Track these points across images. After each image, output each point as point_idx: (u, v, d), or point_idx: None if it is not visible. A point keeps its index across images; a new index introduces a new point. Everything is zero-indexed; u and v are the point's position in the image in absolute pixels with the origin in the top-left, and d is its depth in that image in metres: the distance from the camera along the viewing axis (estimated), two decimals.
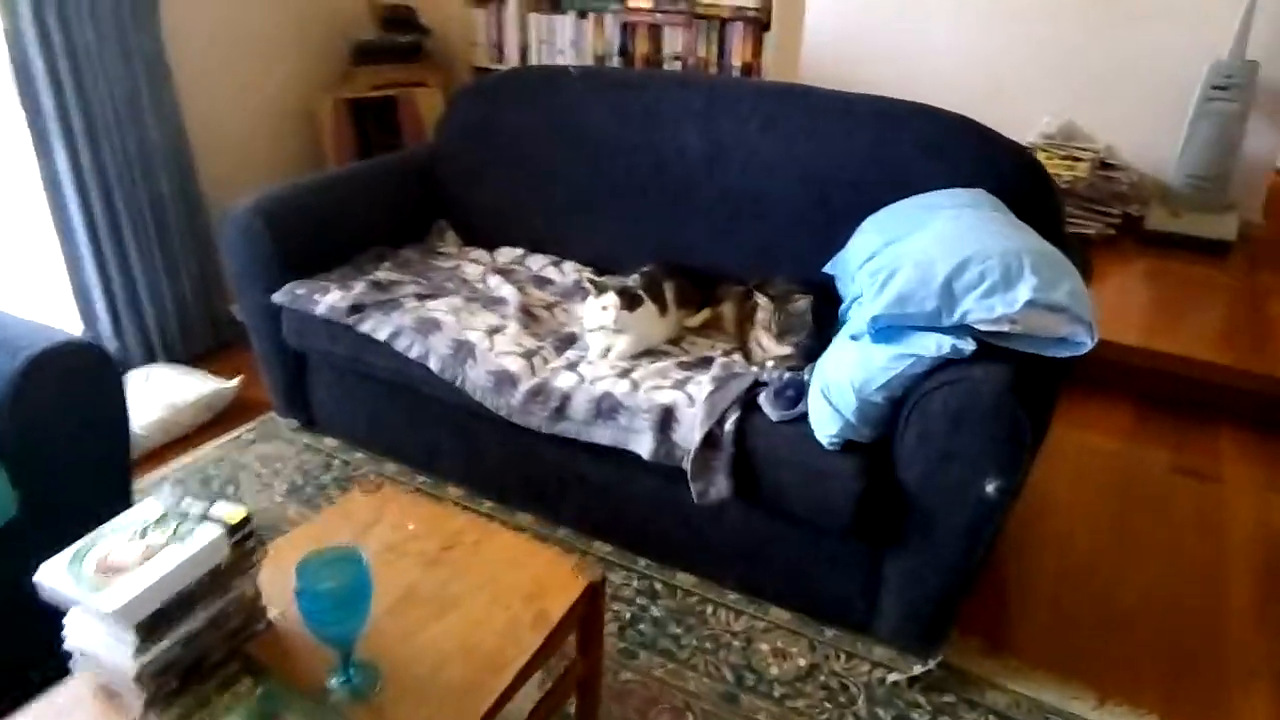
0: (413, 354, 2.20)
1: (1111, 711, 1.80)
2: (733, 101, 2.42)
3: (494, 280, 2.52)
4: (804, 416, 1.83)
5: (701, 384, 1.97)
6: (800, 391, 1.88)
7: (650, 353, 2.17)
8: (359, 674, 1.26)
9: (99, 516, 1.27)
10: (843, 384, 1.73)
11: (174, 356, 3.00)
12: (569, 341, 2.24)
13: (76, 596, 1.16)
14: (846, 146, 2.28)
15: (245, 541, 1.29)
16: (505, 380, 2.08)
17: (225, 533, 1.25)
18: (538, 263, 2.68)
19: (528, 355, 2.14)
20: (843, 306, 2.06)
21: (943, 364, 1.64)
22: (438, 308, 2.32)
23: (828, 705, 1.80)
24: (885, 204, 2.17)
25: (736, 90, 2.48)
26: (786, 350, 2.02)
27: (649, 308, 2.16)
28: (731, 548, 2.01)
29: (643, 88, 2.59)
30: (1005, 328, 1.61)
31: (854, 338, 1.75)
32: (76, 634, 1.24)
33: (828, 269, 2.27)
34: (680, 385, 1.99)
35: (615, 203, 2.58)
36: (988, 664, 1.91)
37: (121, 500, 1.84)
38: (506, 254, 2.76)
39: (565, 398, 2.01)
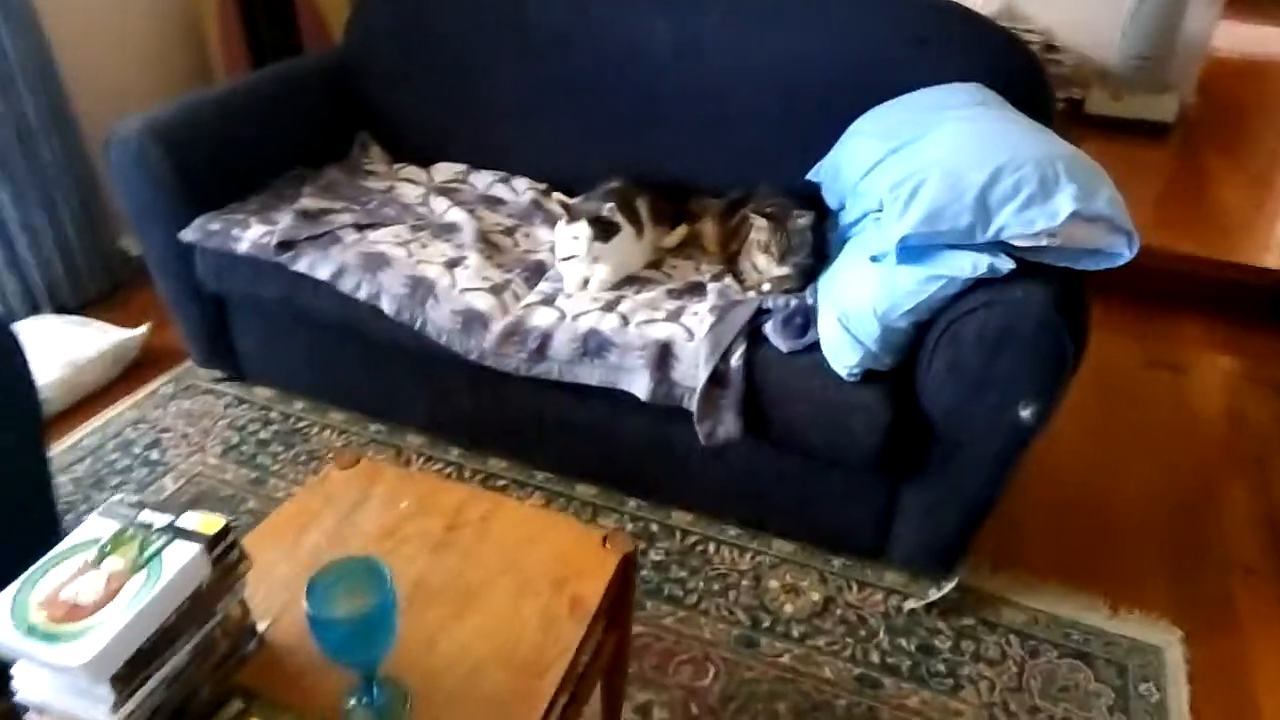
0: (361, 295, 1.94)
1: (1125, 619, 1.80)
2: None
3: (438, 203, 2.24)
4: (815, 345, 1.69)
5: (699, 315, 1.80)
6: (808, 318, 1.73)
7: (634, 279, 1.96)
8: (383, 692, 1.08)
9: (11, 516, 1.02)
10: (863, 310, 1.58)
11: (63, 305, 2.61)
12: (538, 271, 2.02)
13: (26, 650, 0.93)
14: (821, 39, 2.07)
15: (227, 554, 1.07)
16: (474, 320, 1.85)
17: (204, 548, 1.03)
18: (483, 180, 2.40)
19: (496, 290, 1.91)
20: (844, 221, 1.90)
21: (973, 284, 1.52)
22: (382, 239, 2.04)
23: (849, 640, 1.73)
24: (869, 104, 1.99)
25: None
26: (785, 271, 1.86)
27: (625, 232, 1.94)
28: (734, 484, 1.89)
29: None
30: (1043, 242, 1.48)
31: (875, 259, 1.60)
32: (29, 688, 1.01)
33: (811, 176, 2.09)
34: (675, 317, 1.81)
35: (569, 107, 2.31)
36: (998, 580, 1.88)
37: (39, 493, 1.56)
38: (445, 171, 2.46)
39: (545, 337, 1.81)
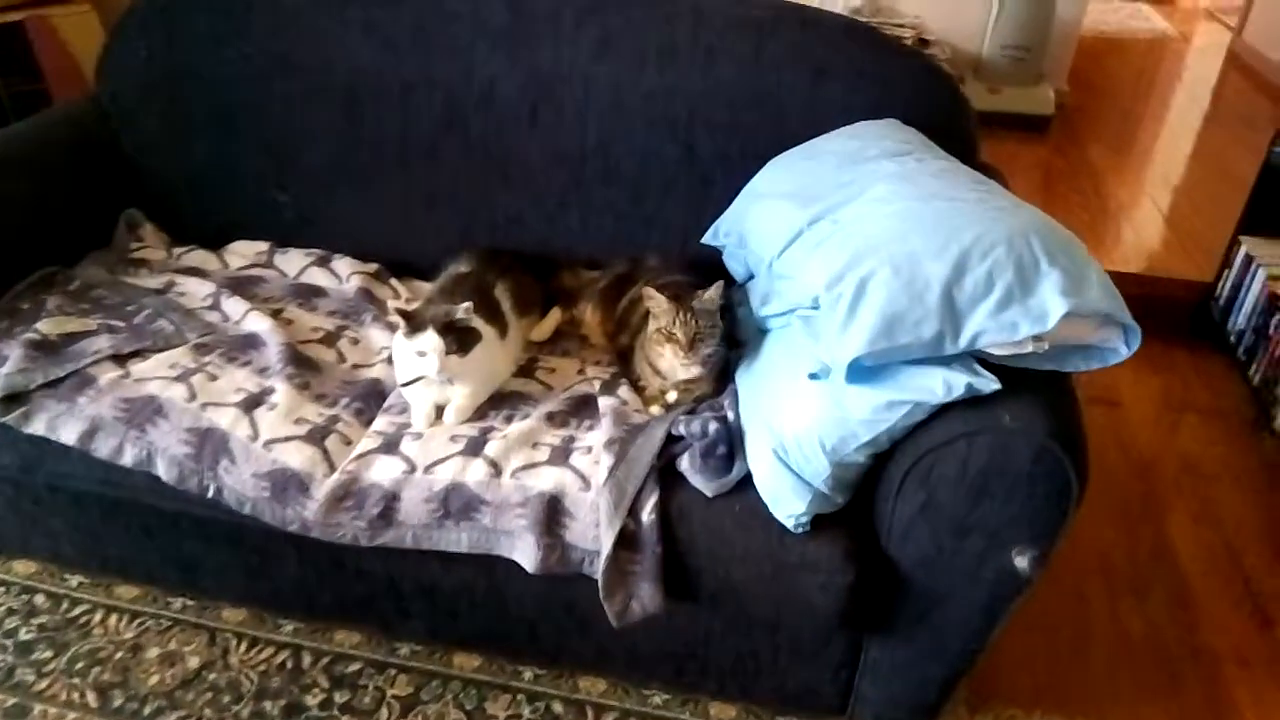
0: (125, 461, 1.42)
1: None
2: (547, 13, 1.73)
3: (233, 306, 1.72)
4: (745, 481, 1.31)
5: (593, 450, 1.38)
6: (731, 445, 1.35)
7: (501, 398, 1.52)
8: None
9: None
10: (807, 443, 1.21)
11: None
12: (373, 397, 1.54)
13: None
14: (708, 76, 1.68)
15: None
16: (288, 483, 1.37)
17: None
18: (293, 263, 1.89)
19: (316, 437, 1.43)
20: (757, 298, 1.52)
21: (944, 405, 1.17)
22: (152, 373, 1.51)
23: None
24: (770, 151, 1.64)
25: None
26: (696, 371, 1.46)
27: (487, 336, 1.50)
28: (656, 644, 1.49)
29: None
30: (1027, 349, 1.15)
31: (815, 377, 1.23)
32: None
33: (708, 240, 1.71)
34: (561, 457, 1.38)
35: (400, 167, 1.83)
36: None
37: None
38: (242, 253, 1.93)
39: (390, 498, 1.35)
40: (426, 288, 1.84)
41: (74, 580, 1.78)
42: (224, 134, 1.90)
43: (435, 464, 1.38)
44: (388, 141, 1.81)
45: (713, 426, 1.35)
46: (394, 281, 1.85)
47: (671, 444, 1.37)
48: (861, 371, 1.16)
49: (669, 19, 1.70)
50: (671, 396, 1.48)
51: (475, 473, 1.36)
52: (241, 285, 1.80)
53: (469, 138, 1.77)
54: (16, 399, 1.45)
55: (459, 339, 1.43)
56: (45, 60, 2.29)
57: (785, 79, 1.66)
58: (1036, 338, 1.14)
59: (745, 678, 1.49)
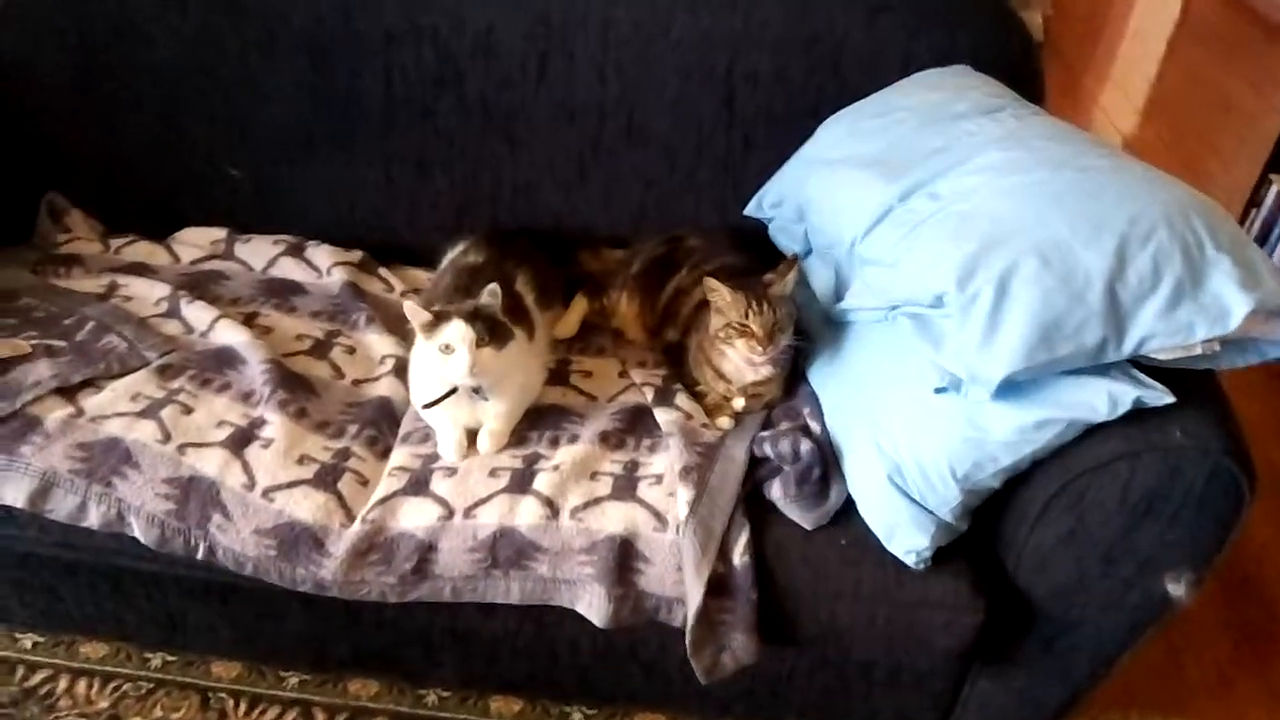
0: (90, 522, 1.16)
1: None
2: None
3: (195, 313, 1.43)
4: (848, 505, 1.13)
5: (664, 479, 1.17)
6: (824, 465, 1.16)
7: (539, 417, 1.29)
8: None
9: None
10: (933, 468, 1.03)
11: None
12: (386, 420, 1.30)
13: None
14: (752, 14, 1.44)
15: None
16: (299, 540, 1.14)
17: None
18: (259, 253, 1.60)
19: (325, 479, 1.19)
20: (823, 282, 1.31)
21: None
22: (111, 407, 1.24)
23: None
24: (822, 105, 1.44)
25: None
26: (768, 372, 1.26)
27: (517, 338, 1.26)
28: (732, 683, 1.32)
29: None
30: (1197, 351, 0.98)
31: (942, 391, 1.04)
32: None
33: (752, 211, 1.50)
34: (627, 487, 1.17)
35: (377, 131, 1.54)
36: None
37: None
38: (195, 241, 1.63)
39: (425, 549, 1.13)
40: (423, 276, 1.58)
41: (28, 641, 1.51)
42: (163, 100, 1.58)
43: (477, 505, 1.16)
44: (366, 101, 1.52)
45: (804, 447, 1.15)
46: (383, 271, 1.58)
47: (755, 466, 1.18)
48: (1006, 386, 0.98)
49: None
50: (739, 404, 1.28)
51: (527, 514, 1.14)
52: (200, 284, 1.51)
53: (464, 95, 1.50)
54: None
55: (490, 330, 1.19)
56: None
57: (838, 20, 1.43)
58: (1208, 341, 0.97)
59: (831, 710, 1.34)
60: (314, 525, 1.14)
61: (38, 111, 1.61)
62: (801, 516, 1.12)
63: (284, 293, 1.52)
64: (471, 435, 1.24)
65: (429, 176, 1.56)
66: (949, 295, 1.01)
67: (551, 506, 1.14)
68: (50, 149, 1.63)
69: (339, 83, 1.52)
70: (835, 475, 1.15)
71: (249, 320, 1.44)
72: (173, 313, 1.45)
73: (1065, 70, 3.35)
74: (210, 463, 1.18)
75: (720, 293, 1.23)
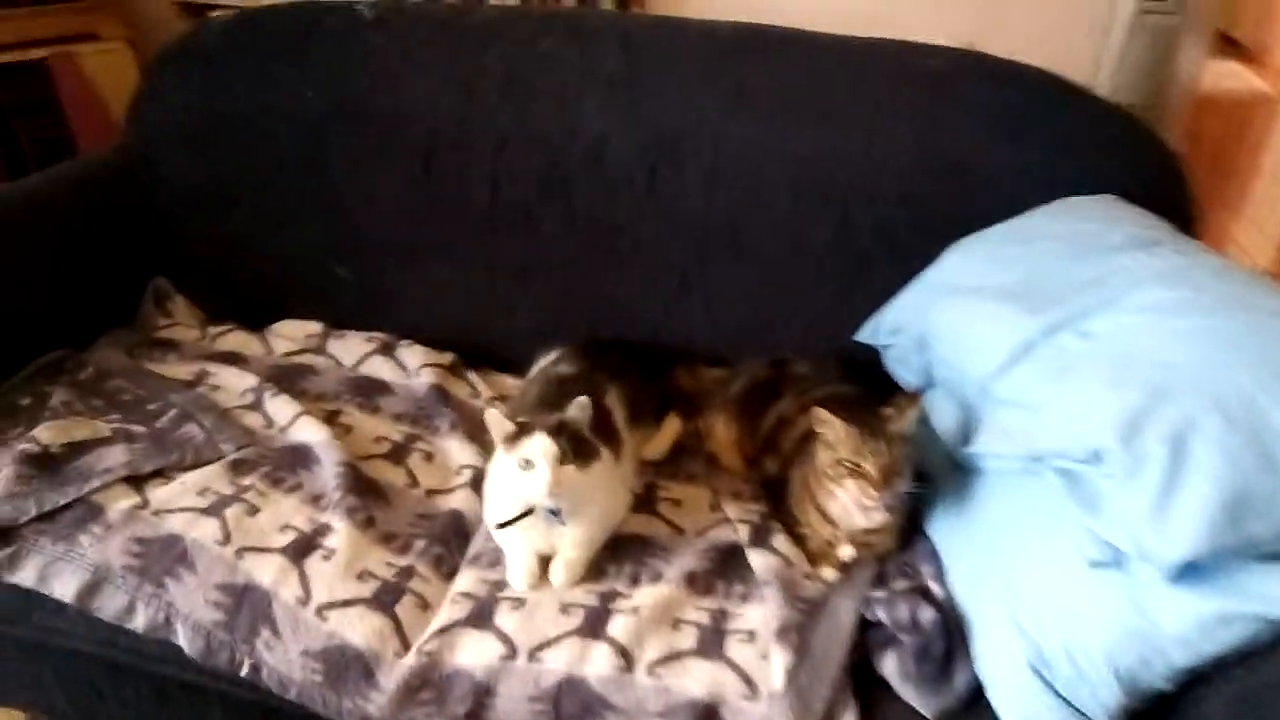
0: (136, 625, 1.09)
1: None
2: (670, 58, 1.42)
3: (279, 407, 1.39)
4: (975, 690, 0.96)
5: (757, 636, 1.02)
6: (948, 637, 0.99)
7: (620, 549, 1.17)
8: None
9: None
10: (1087, 661, 0.86)
11: None
12: (456, 537, 1.20)
13: None
14: (876, 133, 1.36)
15: None
16: (347, 666, 1.03)
17: None
18: (351, 349, 1.57)
19: (385, 599, 1.09)
20: (946, 420, 1.17)
21: None
22: (177, 500, 1.18)
23: None
24: (952, 228, 1.32)
25: (671, 38, 1.46)
26: (882, 519, 1.11)
27: (603, 458, 1.16)
28: None
29: (501, 36, 1.50)
30: None
31: (1100, 566, 0.87)
32: None
33: (865, 337, 1.38)
34: (714, 642, 1.03)
35: (481, 237, 1.51)
36: None
37: None
38: (290, 334, 1.61)
39: (482, 692, 1.00)
40: (512, 384, 1.51)
41: None
42: (274, 193, 1.60)
43: (543, 647, 1.03)
44: (472, 206, 1.49)
45: (925, 615, 0.99)
46: (472, 375, 1.52)
47: (865, 631, 1.02)
48: (1184, 568, 0.81)
49: (822, 69, 1.39)
50: (847, 553, 1.13)
51: (599, 663, 1.01)
52: (288, 377, 1.48)
53: (572, 204, 1.46)
54: (2, 535, 1.12)
55: (575, 447, 1.08)
56: (70, 103, 2.02)
57: (971, 143, 1.34)
58: None
59: None
60: (366, 652, 1.03)
61: (155, 198, 1.65)
62: (921, 701, 0.95)
63: (370, 391, 1.47)
64: (545, 563, 1.12)
65: (529, 283, 1.51)
66: (1110, 452, 0.86)
67: (626, 657, 1.01)
68: (163, 236, 1.66)
69: (447, 187, 1.50)
70: (961, 653, 0.98)
71: (331, 418, 1.38)
72: (257, 405, 1.41)
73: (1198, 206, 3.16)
74: (267, 571, 1.09)
75: (831, 425, 1.10)
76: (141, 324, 1.63)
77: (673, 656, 1.01)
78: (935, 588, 1.05)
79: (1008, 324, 1.08)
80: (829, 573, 1.11)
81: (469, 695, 1.00)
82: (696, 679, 0.98)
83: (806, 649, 0.98)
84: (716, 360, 1.48)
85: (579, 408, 1.11)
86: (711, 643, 1.02)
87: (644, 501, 1.26)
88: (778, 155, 1.38)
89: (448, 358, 1.53)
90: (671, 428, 1.39)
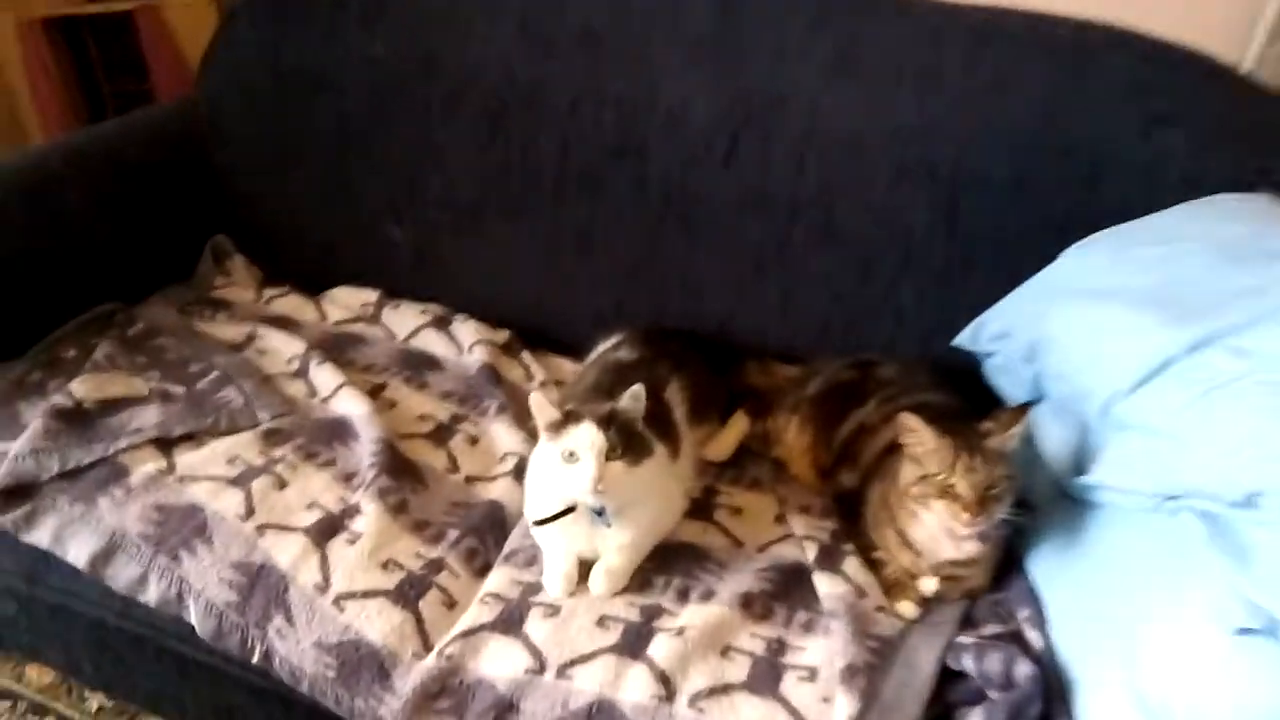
0: (148, 598, 1.02)
1: None
2: (766, 16, 1.28)
3: (324, 375, 1.31)
4: None
5: (819, 675, 0.89)
6: (1046, 697, 0.84)
7: (669, 558, 1.05)
8: None
9: None
10: None
11: None
12: (493, 529, 1.10)
13: None
14: (993, 108, 1.20)
15: None
16: (362, 664, 0.94)
17: None
18: (405, 321, 1.48)
19: (409, 592, 0.99)
20: (1055, 444, 1.01)
21: None
22: (204, 468, 1.12)
23: None
24: (1076, 225, 1.14)
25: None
26: (973, 550, 0.96)
27: (658, 456, 1.04)
28: None
29: None
30: None
31: (1249, 633, 0.71)
32: None
33: (964, 342, 1.21)
34: (769, 676, 0.89)
35: (545, 202, 1.40)
36: None
37: None
38: (346, 302, 1.54)
39: (504, 707, 0.90)
40: (569, 368, 1.40)
41: (94, 703, 1.40)
42: (339, 151, 1.53)
43: (574, 663, 0.92)
44: (539, 168, 1.38)
45: (1022, 670, 0.84)
46: (526, 356, 1.42)
47: (948, 680, 0.87)
48: None
49: (936, 34, 1.23)
50: (929, 586, 0.98)
51: (635, 688, 0.89)
52: (338, 346, 1.41)
53: (645, 170, 1.33)
54: (21, 493, 1.07)
55: (626, 440, 0.97)
56: (152, 56, 2.00)
57: (1105, 127, 1.16)
58: None
59: None
60: (382, 650, 0.94)
61: (219, 154, 1.60)
62: None
63: (419, 366, 1.38)
64: (586, 568, 1.01)
65: (592, 256, 1.40)
66: (1270, 495, 0.70)
67: (666, 684, 0.88)
68: (225, 192, 1.62)
69: (515, 147, 1.40)
70: (1060, 713, 0.83)
71: (376, 392, 1.30)
72: (302, 372, 1.34)
73: None
74: (286, 552, 1.01)
75: (920, 435, 0.96)
76: (198, 282, 1.59)
77: (720, 689, 0.88)
78: (1033, 636, 0.90)
79: (1142, 336, 0.91)
80: (907, 608, 0.96)
81: (490, 709, 0.90)
82: (745, 718, 0.86)
83: (875, 696, 0.85)
84: (791, 357, 1.33)
85: (632, 398, 1.00)
86: (765, 677, 0.89)
87: (701, 507, 1.14)
88: (879, 127, 1.22)
89: (503, 335, 1.44)
90: (737, 427, 1.26)
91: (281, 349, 1.39)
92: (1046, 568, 0.97)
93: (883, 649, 0.90)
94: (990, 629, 0.92)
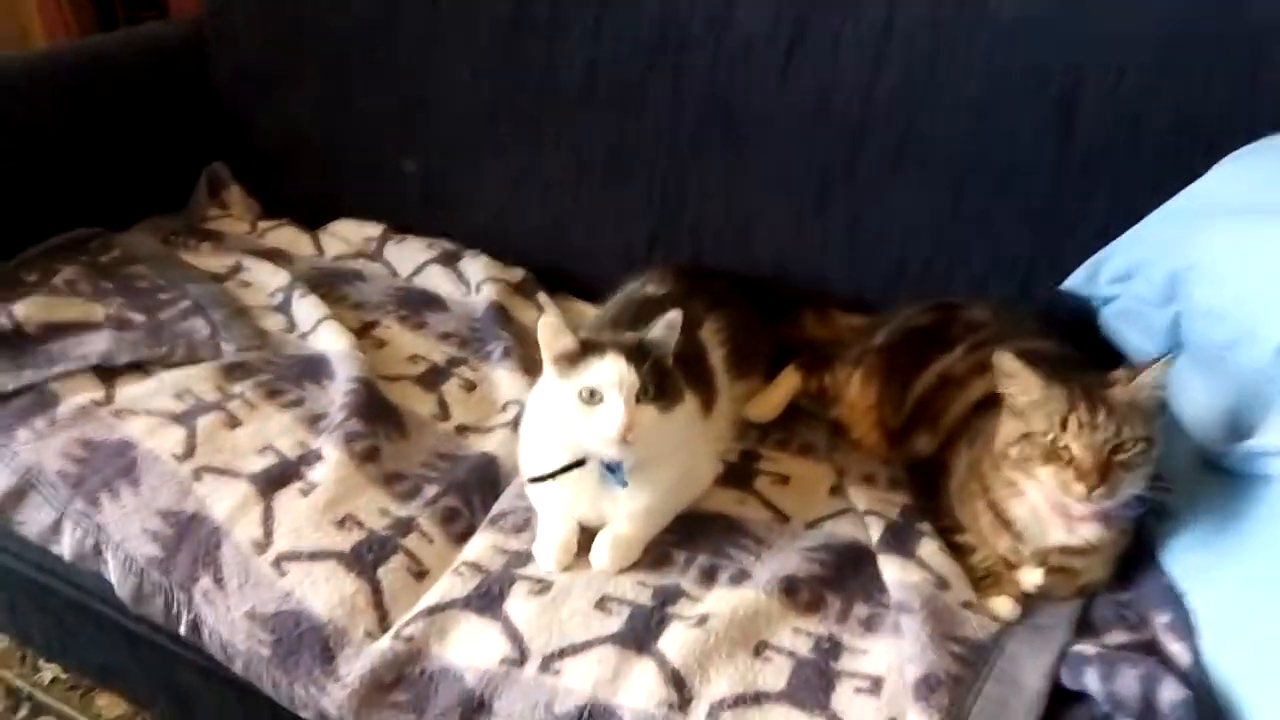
0: (62, 549, 0.85)
1: None
2: None
3: (305, 309, 1.13)
4: None
5: (885, 688, 0.67)
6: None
7: (692, 529, 0.83)
8: None
9: None
10: None
11: None
12: (482, 488, 0.89)
13: None
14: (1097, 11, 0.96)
15: None
16: (302, 642, 0.75)
17: None
18: (408, 256, 1.30)
19: (367, 555, 0.80)
20: (1203, 408, 0.77)
21: None
22: (145, 401, 0.94)
23: None
24: (1225, 136, 0.89)
25: None
26: (1093, 533, 0.73)
27: (689, 401, 0.83)
28: None
29: None
30: None
31: None
32: None
33: (1076, 284, 0.97)
34: (817, 684, 0.67)
35: (569, 122, 1.20)
36: None
37: None
38: (346, 235, 1.36)
39: (473, 705, 0.70)
40: (590, 313, 1.19)
41: (48, 674, 1.24)
42: (339, 70, 1.36)
43: (565, 654, 0.71)
44: (563, 75, 1.18)
45: (1168, 695, 0.61)
46: (543, 298, 1.22)
47: (1061, 703, 0.64)
48: None
49: None
50: (1033, 579, 0.75)
51: (639, 690, 0.68)
52: (329, 281, 1.22)
53: (684, 79, 1.12)
54: None
55: (657, 380, 0.76)
56: None
57: (1269, 15, 0.91)
58: None
59: None
60: (328, 625, 0.75)
61: (218, 74, 1.44)
62: None
63: (419, 305, 1.19)
64: (588, 538, 0.80)
65: (622, 181, 1.19)
66: None
67: (681, 689, 0.67)
68: (224, 117, 1.45)
69: (535, 56, 1.20)
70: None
71: (365, 330, 1.12)
72: (284, 306, 1.17)
73: None
74: (224, 500, 0.83)
75: (1022, 381, 0.73)
76: (191, 211, 1.44)
77: (750, 698, 0.67)
78: (1176, 649, 0.67)
79: None
80: (1004, 606, 0.74)
81: (455, 708, 0.71)
82: None
83: (963, 718, 0.62)
84: (857, 305, 1.11)
85: (667, 327, 0.79)
86: (812, 686, 0.67)
87: (738, 475, 0.92)
88: (974, 19, 0.99)
89: (518, 274, 1.24)
90: (787, 383, 1.04)
91: (266, 281, 1.21)
92: (1190, 561, 0.74)
93: (972, 657, 0.67)
94: (1116, 637, 0.69)
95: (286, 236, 1.37)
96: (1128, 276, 0.93)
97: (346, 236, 1.36)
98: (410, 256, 1.29)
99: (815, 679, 0.68)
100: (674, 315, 0.80)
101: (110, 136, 1.36)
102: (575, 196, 1.23)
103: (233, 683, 0.89)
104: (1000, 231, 1.04)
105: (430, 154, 1.32)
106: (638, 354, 0.77)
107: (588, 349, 0.78)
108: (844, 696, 0.66)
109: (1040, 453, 0.72)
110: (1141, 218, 0.93)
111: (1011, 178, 1.02)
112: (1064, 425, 0.70)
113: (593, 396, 0.76)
